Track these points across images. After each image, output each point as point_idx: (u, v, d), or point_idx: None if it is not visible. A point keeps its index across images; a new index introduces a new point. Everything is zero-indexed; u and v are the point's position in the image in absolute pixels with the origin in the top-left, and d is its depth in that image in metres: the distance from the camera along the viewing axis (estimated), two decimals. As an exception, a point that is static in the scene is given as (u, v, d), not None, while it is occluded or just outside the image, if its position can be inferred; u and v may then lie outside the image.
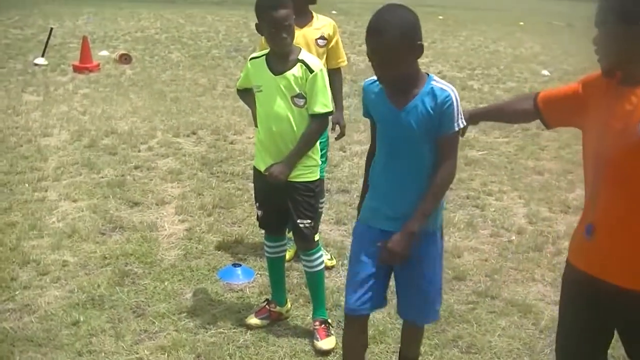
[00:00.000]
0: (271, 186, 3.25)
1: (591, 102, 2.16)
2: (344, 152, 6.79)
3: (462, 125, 2.45)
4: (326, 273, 3.72)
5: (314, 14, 4.03)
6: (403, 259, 2.50)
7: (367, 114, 2.63)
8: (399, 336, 3.06)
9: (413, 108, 2.42)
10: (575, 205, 5.49)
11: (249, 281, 4.02)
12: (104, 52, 12.24)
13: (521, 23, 23.99)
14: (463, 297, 3.92)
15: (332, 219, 5.01)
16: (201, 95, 9.35)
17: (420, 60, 2.45)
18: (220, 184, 5.72)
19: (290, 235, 3.75)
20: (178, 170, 6.00)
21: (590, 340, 2.25)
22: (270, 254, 3.54)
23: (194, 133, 7.29)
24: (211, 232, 4.69)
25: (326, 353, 3.28)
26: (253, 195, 3.59)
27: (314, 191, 3.30)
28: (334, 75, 4.09)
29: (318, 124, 3.22)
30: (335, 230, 4.85)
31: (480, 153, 7.01)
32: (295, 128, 3.18)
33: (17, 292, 3.74)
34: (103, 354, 3.21)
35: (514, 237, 4.84)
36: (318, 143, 3.32)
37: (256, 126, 3.38)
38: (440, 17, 24.42)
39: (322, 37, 3.98)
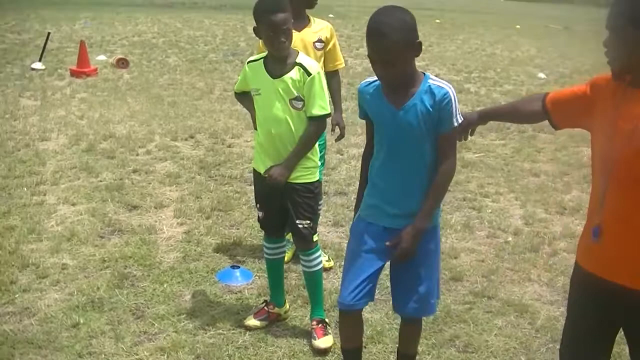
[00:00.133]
0: (270, 188, 3.27)
1: (599, 104, 2.16)
2: (341, 154, 6.81)
3: (460, 121, 2.51)
4: (324, 274, 3.74)
5: (311, 17, 4.07)
6: (412, 256, 2.57)
7: (363, 115, 2.68)
8: (397, 336, 3.09)
9: (412, 107, 2.47)
10: (571, 207, 5.53)
11: (247, 283, 4.04)
12: (102, 57, 12.27)
13: (518, 26, 24.08)
14: (460, 297, 3.95)
15: (330, 221, 5.03)
16: (199, 99, 9.37)
17: (417, 63, 2.51)
18: (218, 187, 5.74)
19: (289, 237, 3.77)
20: (176, 173, 6.02)
21: (596, 340, 2.26)
22: (270, 255, 3.56)
23: (191, 137, 7.31)
24: (209, 234, 4.71)
25: (324, 352, 3.30)
26: (251, 197, 3.62)
27: (313, 192, 3.33)
28: (332, 77, 4.16)
29: (316, 127, 3.25)
30: (332, 232, 4.87)
31: (476, 155, 7.05)
32: (294, 130, 3.22)
33: (16, 295, 3.76)
34: (103, 356, 3.23)
35: (510, 238, 4.87)
36: (317, 145, 3.35)
37: (255, 129, 3.42)
38: (438, 21, 24.52)
39: (319, 40, 4.02)
